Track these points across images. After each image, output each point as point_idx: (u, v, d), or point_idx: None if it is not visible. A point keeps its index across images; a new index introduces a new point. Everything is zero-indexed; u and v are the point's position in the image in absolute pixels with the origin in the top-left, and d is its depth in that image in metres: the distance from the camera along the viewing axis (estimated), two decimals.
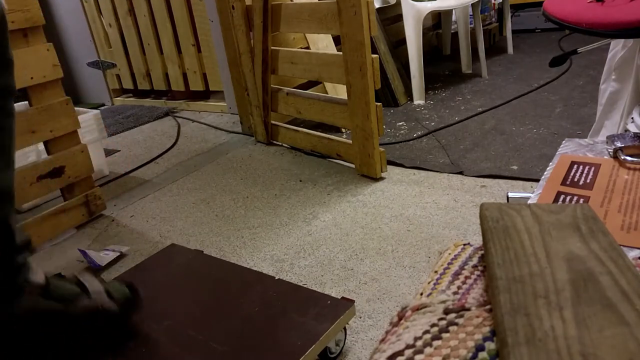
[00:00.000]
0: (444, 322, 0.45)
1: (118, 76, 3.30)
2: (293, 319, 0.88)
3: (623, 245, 0.58)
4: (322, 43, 2.28)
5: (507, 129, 2.01)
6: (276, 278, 1.00)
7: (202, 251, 1.23)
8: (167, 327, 0.91)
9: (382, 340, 0.46)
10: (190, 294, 1.02)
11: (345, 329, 0.98)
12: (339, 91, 2.31)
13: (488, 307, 0.46)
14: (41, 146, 1.63)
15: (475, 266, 0.53)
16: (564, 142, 0.89)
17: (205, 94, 2.99)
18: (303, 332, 0.84)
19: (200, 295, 1.01)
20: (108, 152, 2.33)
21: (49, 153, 1.54)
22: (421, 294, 0.51)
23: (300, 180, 1.79)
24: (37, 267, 0.88)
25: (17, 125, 1.41)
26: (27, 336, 0.85)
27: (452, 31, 3.31)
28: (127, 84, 3.28)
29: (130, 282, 0.95)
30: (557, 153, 0.86)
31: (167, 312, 0.95)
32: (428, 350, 0.42)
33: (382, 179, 1.72)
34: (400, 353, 0.42)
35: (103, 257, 1.40)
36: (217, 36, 2.43)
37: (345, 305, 0.91)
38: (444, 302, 0.48)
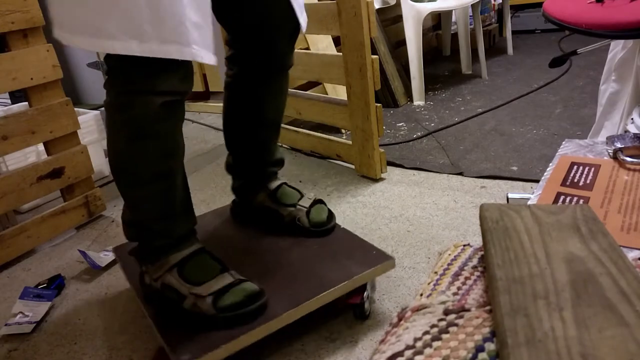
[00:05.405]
0: (443, 323, 0.45)
1: None
2: (340, 259, 1.07)
3: (623, 246, 0.58)
4: (322, 44, 2.29)
5: (507, 130, 2.01)
6: (341, 227, 1.21)
7: None
8: (251, 246, 1.19)
9: (382, 341, 0.46)
10: (272, 228, 1.23)
11: (374, 285, 1.16)
12: (338, 92, 2.31)
13: (488, 308, 0.46)
14: (41, 147, 1.63)
15: (475, 267, 0.53)
16: (563, 142, 0.90)
17: (205, 95, 2.99)
18: (342, 270, 1.03)
19: (278, 231, 1.21)
20: None
21: (48, 154, 1.54)
22: (421, 294, 0.51)
23: (300, 181, 1.79)
24: (278, 177, 1.23)
25: (15, 126, 1.43)
26: (250, 219, 1.24)
27: (452, 32, 3.31)
28: None
29: (331, 213, 1.21)
30: (557, 154, 0.86)
31: (253, 239, 1.22)
32: (428, 351, 0.42)
33: (381, 179, 1.72)
34: (400, 354, 0.42)
35: (103, 258, 1.40)
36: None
37: (385, 257, 1.06)
38: (443, 303, 0.48)
